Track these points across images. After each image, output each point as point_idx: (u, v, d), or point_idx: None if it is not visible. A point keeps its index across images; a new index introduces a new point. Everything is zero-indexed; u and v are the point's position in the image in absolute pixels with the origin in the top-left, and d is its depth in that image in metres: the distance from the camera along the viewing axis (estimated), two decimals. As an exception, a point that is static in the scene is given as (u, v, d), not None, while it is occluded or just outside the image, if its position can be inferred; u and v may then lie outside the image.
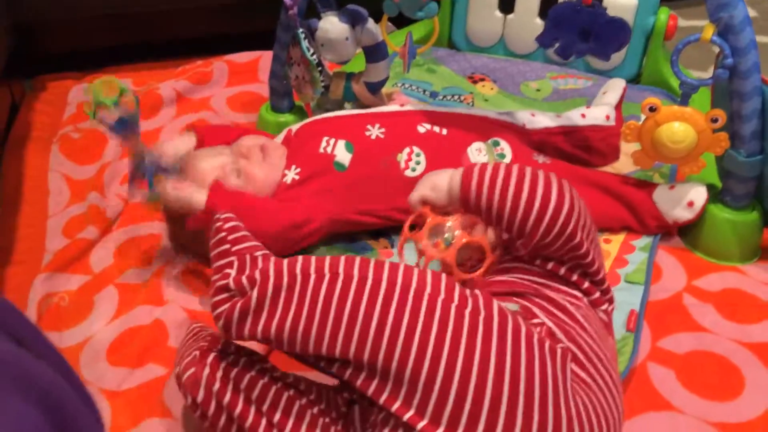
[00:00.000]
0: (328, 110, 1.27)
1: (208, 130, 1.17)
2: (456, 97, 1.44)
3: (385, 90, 1.29)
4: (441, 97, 1.43)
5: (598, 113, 1.20)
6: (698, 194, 1.07)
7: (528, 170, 0.76)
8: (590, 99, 1.37)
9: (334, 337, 0.65)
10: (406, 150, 1.05)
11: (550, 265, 0.79)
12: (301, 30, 1.17)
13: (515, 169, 0.76)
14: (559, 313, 0.74)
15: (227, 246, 0.75)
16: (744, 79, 0.97)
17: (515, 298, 0.76)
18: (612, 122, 1.20)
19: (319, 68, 1.18)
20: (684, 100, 1.02)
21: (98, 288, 1.03)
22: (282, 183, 1.07)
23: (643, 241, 1.09)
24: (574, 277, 0.78)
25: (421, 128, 1.09)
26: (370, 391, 0.65)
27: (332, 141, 1.08)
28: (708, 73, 1.41)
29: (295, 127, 1.14)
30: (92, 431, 0.40)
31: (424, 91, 1.45)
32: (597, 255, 0.79)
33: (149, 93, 1.44)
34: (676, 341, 0.95)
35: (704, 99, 1.16)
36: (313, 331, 0.65)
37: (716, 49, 0.99)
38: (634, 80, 1.47)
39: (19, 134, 1.36)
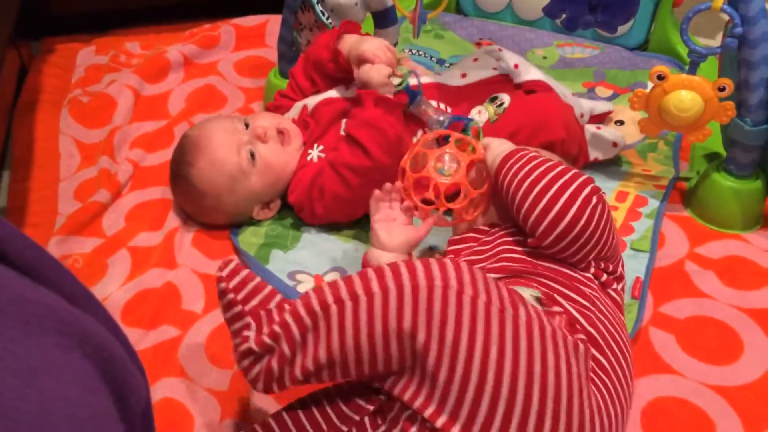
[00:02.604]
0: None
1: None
2: (463, 63, 1.43)
3: (393, 56, 1.29)
4: (448, 65, 1.43)
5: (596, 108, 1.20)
6: (622, 138, 1.16)
7: (555, 177, 0.79)
8: (597, 68, 1.37)
9: (374, 359, 0.65)
10: (419, 132, 1.06)
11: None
12: (311, -5, 1.16)
13: (542, 169, 0.80)
14: (578, 298, 0.76)
15: (239, 308, 0.72)
16: (753, 48, 0.97)
17: (535, 284, 0.77)
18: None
19: (334, 34, 1.18)
20: (692, 69, 1.02)
21: (111, 251, 1.05)
22: (308, 163, 1.07)
23: (649, 207, 1.11)
24: (582, 264, 0.82)
25: None
26: (407, 396, 0.65)
27: None
28: (716, 42, 1.41)
29: (310, 105, 1.13)
30: (138, 385, 0.42)
31: (431, 57, 1.45)
32: (589, 254, 0.81)
33: (157, 57, 1.44)
34: (677, 307, 0.97)
35: (711, 67, 1.17)
36: (351, 358, 0.65)
37: (725, 17, 0.99)
38: (641, 47, 1.47)
39: (28, 97, 1.36)
